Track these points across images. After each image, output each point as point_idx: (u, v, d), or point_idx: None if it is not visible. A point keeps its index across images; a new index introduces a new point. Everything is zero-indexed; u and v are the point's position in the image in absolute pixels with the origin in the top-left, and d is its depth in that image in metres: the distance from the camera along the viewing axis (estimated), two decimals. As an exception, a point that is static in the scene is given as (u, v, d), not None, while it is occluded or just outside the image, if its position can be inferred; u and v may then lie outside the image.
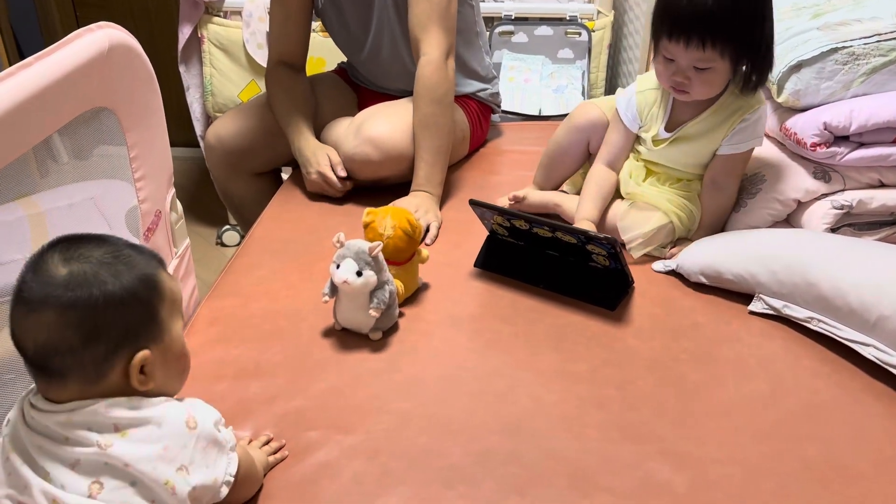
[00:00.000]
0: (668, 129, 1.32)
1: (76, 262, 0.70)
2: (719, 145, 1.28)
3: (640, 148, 1.37)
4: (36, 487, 0.68)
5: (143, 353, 0.72)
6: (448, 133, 1.41)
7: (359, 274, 1.08)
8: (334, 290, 1.13)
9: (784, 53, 1.37)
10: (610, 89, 2.39)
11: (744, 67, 1.21)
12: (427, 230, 1.42)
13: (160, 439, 0.71)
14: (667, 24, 1.16)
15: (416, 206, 1.43)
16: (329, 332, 1.17)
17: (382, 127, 1.51)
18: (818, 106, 1.33)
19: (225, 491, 0.77)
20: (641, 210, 1.34)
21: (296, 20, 1.65)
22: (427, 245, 1.39)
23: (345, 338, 1.16)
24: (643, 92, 1.34)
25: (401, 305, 1.20)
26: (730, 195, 1.34)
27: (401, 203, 1.45)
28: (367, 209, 1.22)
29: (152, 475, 0.69)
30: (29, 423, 0.71)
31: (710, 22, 1.12)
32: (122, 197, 1.33)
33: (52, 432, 0.70)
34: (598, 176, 1.37)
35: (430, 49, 1.43)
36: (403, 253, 1.20)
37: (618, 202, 1.38)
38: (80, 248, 0.72)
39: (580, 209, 1.36)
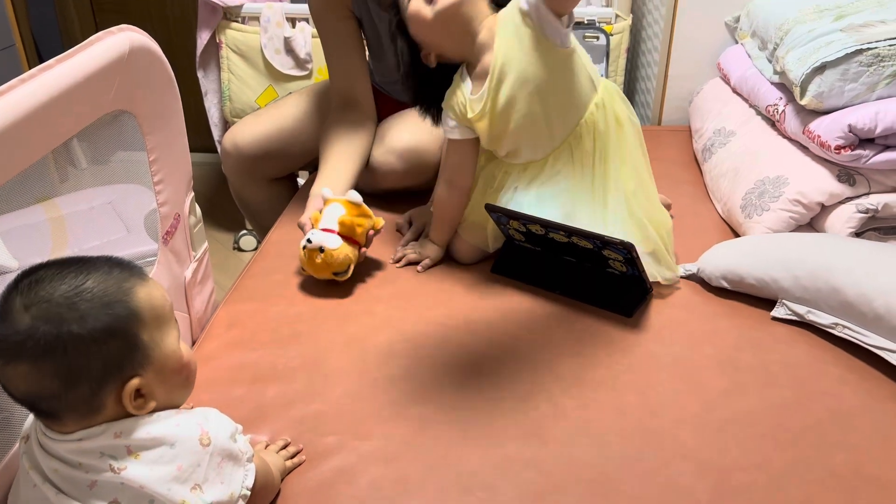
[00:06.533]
0: (472, 92, 1.20)
1: (36, 306, 0.66)
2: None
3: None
4: None
5: (132, 383, 0.70)
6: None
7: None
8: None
9: (807, 55, 1.35)
10: (628, 94, 2.37)
11: None
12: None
13: (173, 459, 0.70)
14: None
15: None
16: (347, 339, 1.16)
17: (407, 137, 1.51)
18: (842, 108, 1.31)
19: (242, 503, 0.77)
20: None
21: (352, 45, 1.54)
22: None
23: (363, 343, 1.15)
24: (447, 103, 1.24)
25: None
26: None
27: None
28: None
29: (167, 496, 0.69)
30: (43, 445, 0.71)
31: None
32: (140, 201, 1.33)
33: (65, 458, 0.69)
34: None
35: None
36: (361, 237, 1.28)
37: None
38: (41, 287, 0.67)
39: None
